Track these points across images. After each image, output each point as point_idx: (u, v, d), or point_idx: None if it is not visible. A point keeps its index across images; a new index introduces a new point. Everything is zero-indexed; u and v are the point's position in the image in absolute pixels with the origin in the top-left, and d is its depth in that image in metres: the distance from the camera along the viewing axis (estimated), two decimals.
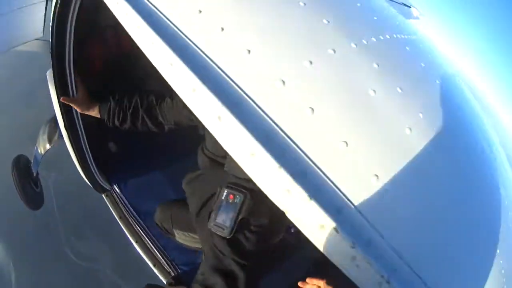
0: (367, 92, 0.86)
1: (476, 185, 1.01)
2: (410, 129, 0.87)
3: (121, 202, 2.47)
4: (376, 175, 0.71)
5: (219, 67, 0.79)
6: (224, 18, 0.88)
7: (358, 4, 1.28)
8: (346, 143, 0.73)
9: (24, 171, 2.56)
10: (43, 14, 2.51)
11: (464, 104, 1.40)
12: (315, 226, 0.64)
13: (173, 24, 0.87)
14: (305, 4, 0.99)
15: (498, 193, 1.06)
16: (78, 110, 1.84)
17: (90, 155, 2.26)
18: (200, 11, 0.89)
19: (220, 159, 1.36)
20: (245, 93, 0.75)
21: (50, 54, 1.83)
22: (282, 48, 0.85)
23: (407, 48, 1.27)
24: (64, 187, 3.49)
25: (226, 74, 0.79)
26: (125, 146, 2.56)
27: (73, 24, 1.75)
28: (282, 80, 0.77)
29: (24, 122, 3.92)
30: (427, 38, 1.75)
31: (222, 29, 0.84)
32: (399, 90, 0.94)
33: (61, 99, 1.81)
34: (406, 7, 2.96)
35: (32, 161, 2.57)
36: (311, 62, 0.83)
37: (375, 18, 1.31)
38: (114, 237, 2.81)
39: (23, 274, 2.99)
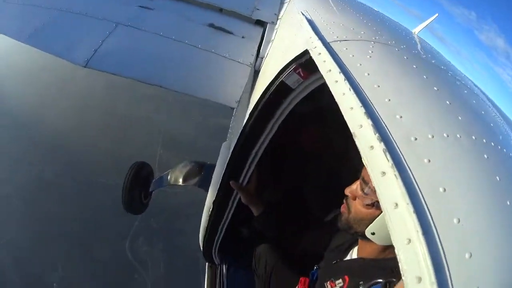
0: None
1: None
2: None
3: (220, 282, 2.43)
4: None
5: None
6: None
7: None
8: None
9: (143, 180, 2.68)
10: (244, 83, 1.95)
11: None
12: None
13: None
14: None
15: None
16: (242, 199, 1.88)
17: (221, 235, 2.20)
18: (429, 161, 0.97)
19: None
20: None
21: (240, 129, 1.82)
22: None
23: None
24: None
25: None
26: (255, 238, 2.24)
27: (279, 120, 1.75)
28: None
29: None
30: None
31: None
32: None
33: (230, 183, 1.83)
34: None
35: (155, 177, 2.65)
36: None
37: None
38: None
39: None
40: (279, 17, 2.48)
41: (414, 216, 0.79)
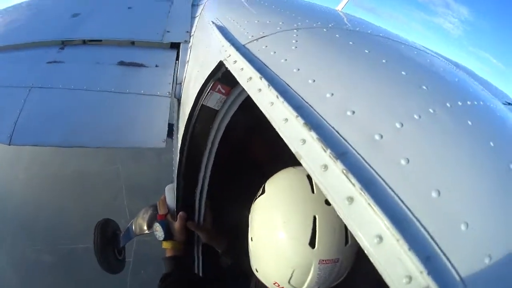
0: None
1: None
2: None
3: None
4: None
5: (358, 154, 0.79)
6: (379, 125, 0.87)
7: None
8: None
9: (111, 237, 2.48)
10: (167, 117, 1.82)
11: None
12: None
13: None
14: None
15: None
16: (202, 239, 1.78)
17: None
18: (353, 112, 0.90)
19: None
20: (377, 173, 0.75)
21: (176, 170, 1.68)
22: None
23: None
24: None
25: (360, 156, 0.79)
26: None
27: (214, 148, 1.58)
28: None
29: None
30: None
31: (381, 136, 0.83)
32: None
33: (187, 225, 1.72)
34: None
35: (122, 232, 2.44)
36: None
37: None
38: None
39: None
40: (191, 34, 2.33)
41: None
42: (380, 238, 0.64)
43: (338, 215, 0.88)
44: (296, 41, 1.30)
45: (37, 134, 2.04)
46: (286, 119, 0.89)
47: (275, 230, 0.99)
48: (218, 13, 2.23)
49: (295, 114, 0.87)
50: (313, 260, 0.94)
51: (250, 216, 1.18)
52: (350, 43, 1.32)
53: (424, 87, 0.99)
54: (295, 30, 1.42)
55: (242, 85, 1.13)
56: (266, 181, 1.21)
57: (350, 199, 0.69)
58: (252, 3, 2.50)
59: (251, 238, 1.12)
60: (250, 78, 1.10)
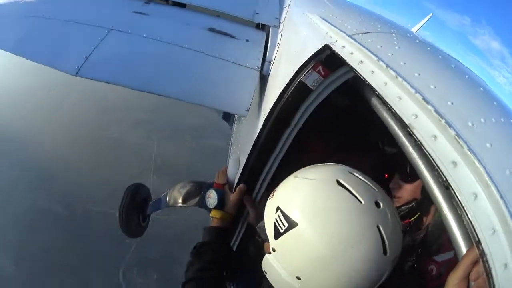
0: None
1: None
2: None
3: None
4: None
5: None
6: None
7: None
8: None
9: (140, 202, 2.54)
10: (253, 89, 1.82)
11: None
12: None
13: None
14: None
15: None
16: (251, 219, 1.74)
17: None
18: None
19: None
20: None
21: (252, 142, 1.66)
22: None
23: None
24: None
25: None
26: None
27: (296, 128, 1.56)
28: None
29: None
30: None
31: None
32: None
33: (243, 199, 1.71)
34: None
35: (152, 199, 2.49)
36: None
37: None
38: None
39: None
40: (281, 21, 2.40)
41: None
42: None
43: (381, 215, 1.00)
44: (397, 42, 1.39)
45: (112, 71, 1.98)
46: (400, 98, 1.02)
47: (339, 258, 0.95)
48: (311, 8, 2.31)
49: (413, 91, 1.00)
50: (387, 266, 0.99)
51: (279, 252, 1.09)
52: (439, 57, 1.43)
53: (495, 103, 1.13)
54: (393, 34, 1.53)
55: (352, 66, 1.23)
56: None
57: (493, 231, 0.71)
58: (340, 4, 2.60)
59: (298, 277, 1.00)
60: (361, 61, 1.20)
